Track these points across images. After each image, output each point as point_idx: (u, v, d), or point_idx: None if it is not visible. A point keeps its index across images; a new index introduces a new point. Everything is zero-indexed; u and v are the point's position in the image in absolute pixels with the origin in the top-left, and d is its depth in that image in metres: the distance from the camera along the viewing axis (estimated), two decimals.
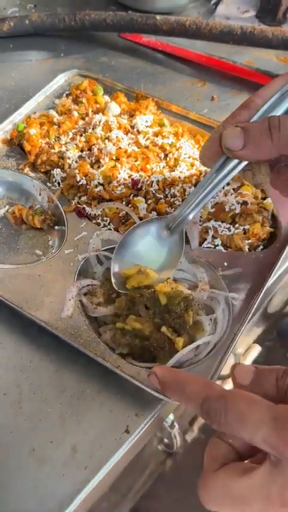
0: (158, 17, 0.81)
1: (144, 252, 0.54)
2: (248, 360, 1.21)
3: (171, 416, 0.67)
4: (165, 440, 0.82)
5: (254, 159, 0.44)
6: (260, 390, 0.34)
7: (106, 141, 0.65)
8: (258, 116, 0.43)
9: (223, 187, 0.61)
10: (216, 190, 0.48)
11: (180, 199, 0.59)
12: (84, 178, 0.62)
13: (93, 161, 0.64)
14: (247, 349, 1.20)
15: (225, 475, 0.32)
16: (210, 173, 0.46)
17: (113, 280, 0.53)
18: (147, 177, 0.61)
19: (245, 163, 0.45)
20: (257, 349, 1.24)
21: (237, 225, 0.58)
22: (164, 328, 0.49)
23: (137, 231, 0.55)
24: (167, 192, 0.60)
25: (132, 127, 0.68)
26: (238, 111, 0.44)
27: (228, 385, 1.15)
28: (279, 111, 0.43)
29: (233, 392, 0.33)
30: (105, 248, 0.57)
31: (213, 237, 0.57)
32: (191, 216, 0.51)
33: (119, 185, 0.60)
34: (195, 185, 0.61)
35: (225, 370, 0.80)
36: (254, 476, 0.31)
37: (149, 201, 0.60)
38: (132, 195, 0.61)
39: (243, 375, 0.35)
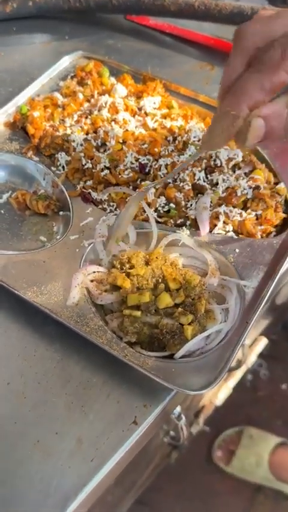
0: None
1: None
2: (255, 353, 1.19)
3: (178, 408, 0.65)
4: (172, 433, 0.80)
5: None
6: None
7: (112, 123, 0.63)
8: None
9: (234, 171, 0.59)
10: None
11: (190, 184, 0.57)
12: (89, 161, 0.59)
13: (99, 144, 0.61)
14: (254, 341, 1.19)
15: None
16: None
17: None
18: (155, 161, 0.59)
19: None
20: (263, 342, 1.22)
21: (249, 211, 0.56)
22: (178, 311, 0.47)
23: None
24: (176, 176, 0.58)
25: (140, 109, 0.66)
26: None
27: (234, 379, 1.14)
28: None
29: None
30: None
31: (224, 223, 0.55)
32: None
33: (126, 169, 0.58)
34: (205, 169, 0.59)
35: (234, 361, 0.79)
36: None
37: (157, 186, 0.57)
38: (139, 179, 0.59)
39: None
